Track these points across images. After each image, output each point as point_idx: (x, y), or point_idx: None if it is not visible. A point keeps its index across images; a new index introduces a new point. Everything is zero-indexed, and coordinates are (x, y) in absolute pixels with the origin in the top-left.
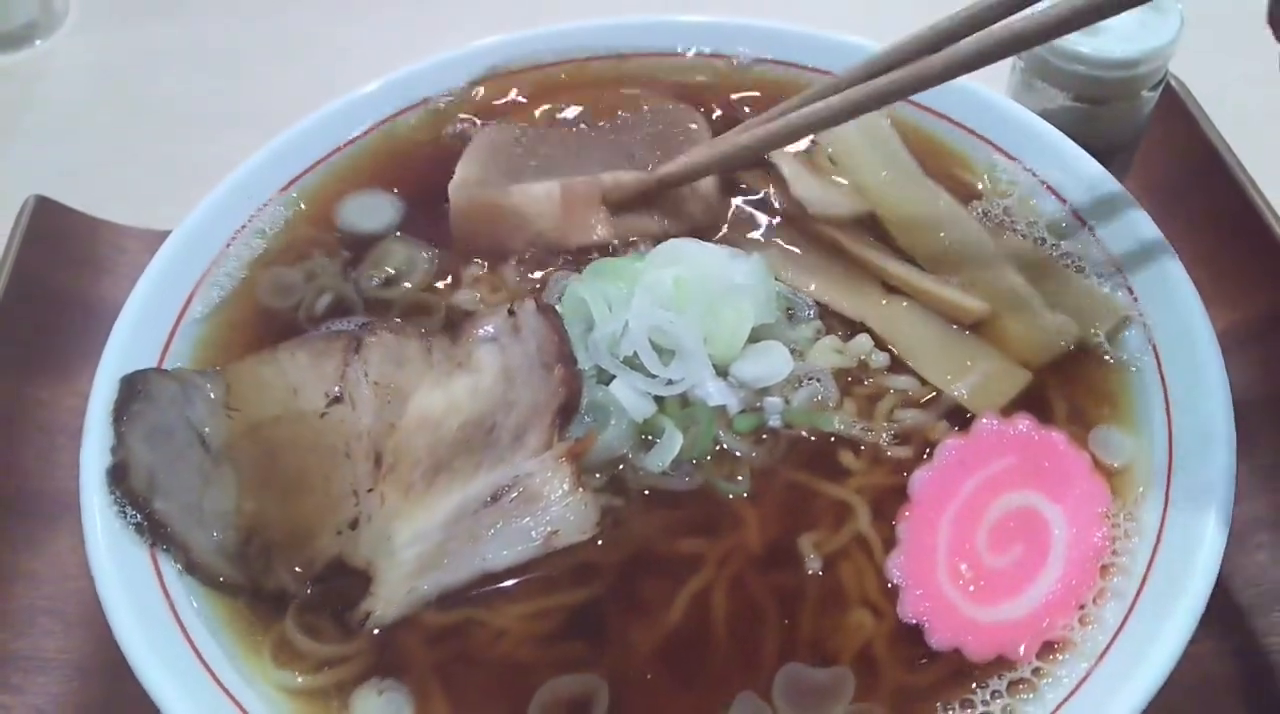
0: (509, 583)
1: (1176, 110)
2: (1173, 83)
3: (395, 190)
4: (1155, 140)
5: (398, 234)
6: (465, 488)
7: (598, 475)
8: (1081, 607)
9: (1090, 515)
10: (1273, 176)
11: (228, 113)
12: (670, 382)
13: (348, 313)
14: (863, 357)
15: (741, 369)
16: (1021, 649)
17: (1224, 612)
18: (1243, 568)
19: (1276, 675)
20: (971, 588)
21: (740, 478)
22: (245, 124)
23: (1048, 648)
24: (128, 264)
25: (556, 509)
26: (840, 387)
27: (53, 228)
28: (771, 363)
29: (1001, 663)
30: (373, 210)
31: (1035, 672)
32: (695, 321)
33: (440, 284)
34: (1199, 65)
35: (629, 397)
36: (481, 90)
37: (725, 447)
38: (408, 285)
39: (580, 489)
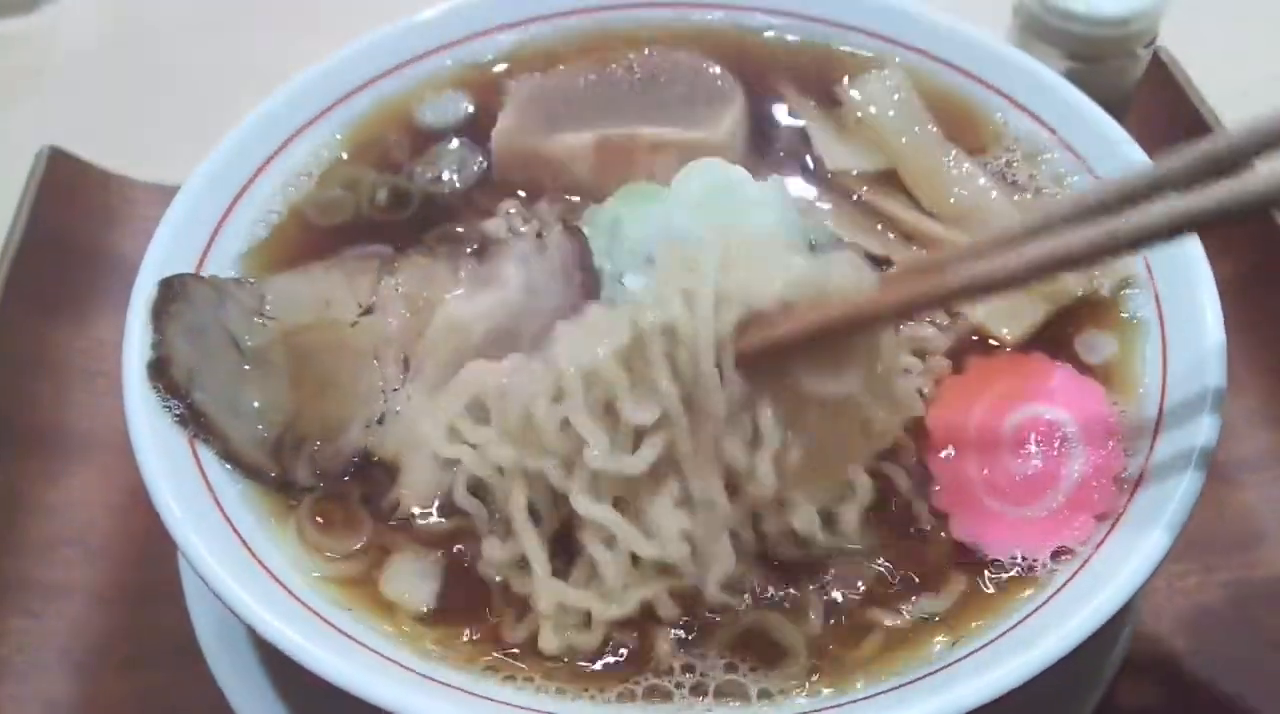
0: None
1: (1165, 79)
2: (1161, 54)
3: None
4: (1144, 109)
5: (456, 140)
6: None
7: None
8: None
9: (1095, 405)
10: None
11: (238, 74)
12: None
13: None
14: None
15: None
16: (1080, 533)
17: (1211, 547)
18: (1230, 506)
19: (1260, 607)
20: (1008, 494)
21: None
22: (256, 85)
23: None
24: (139, 217)
25: None
26: None
27: (67, 179)
28: None
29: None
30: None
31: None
32: (717, 229)
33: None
34: (1186, 36)
35: (643, 287)
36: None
37: None
38: (457, 185)
39: None
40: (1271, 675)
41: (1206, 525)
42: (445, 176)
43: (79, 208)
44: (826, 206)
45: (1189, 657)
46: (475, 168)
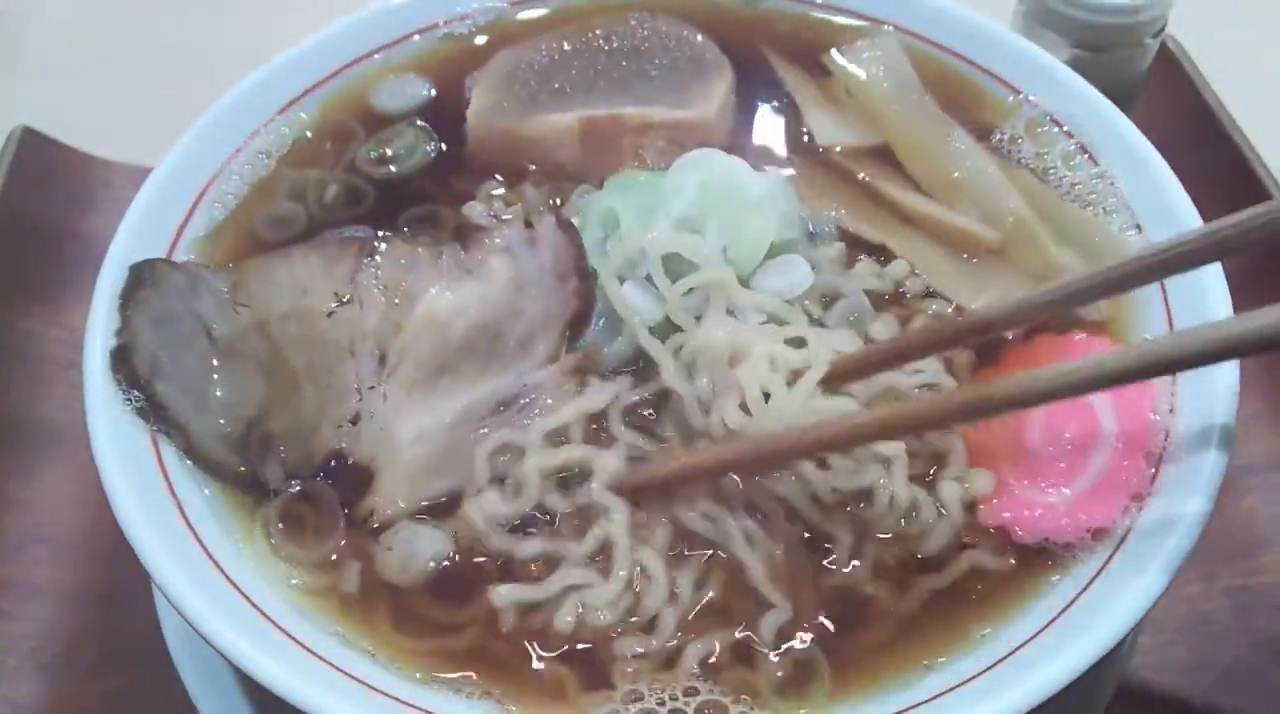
0: None
1: (1173, 70)
2: (1169, 44)
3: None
4: (1151, 99)
5: (417, 121)
6: (470, 391)
7: None
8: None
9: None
10: (1265, 134)
11: (217, 55)
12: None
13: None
14: (900, 282)
15: (762, 281)
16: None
17: (1214, 554)
18: (1233, 513)
19: (1263, 616)
20: (1042, 481)
21: None
22: (235, 66)
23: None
24: (114, 199)
25: None
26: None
27: (40, 161)
28: (792, 275)
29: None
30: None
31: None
32: (716, 244)
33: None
34: (1196, 26)
35: (640, 300)
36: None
37: None
38: (393, 168)
39: None
40: (1275, 686)
41: (1209, 531)
42: (406, 157)
43: (53, 190)
44: (820, 184)
45: (1191, 666)
46: (431, 150)
